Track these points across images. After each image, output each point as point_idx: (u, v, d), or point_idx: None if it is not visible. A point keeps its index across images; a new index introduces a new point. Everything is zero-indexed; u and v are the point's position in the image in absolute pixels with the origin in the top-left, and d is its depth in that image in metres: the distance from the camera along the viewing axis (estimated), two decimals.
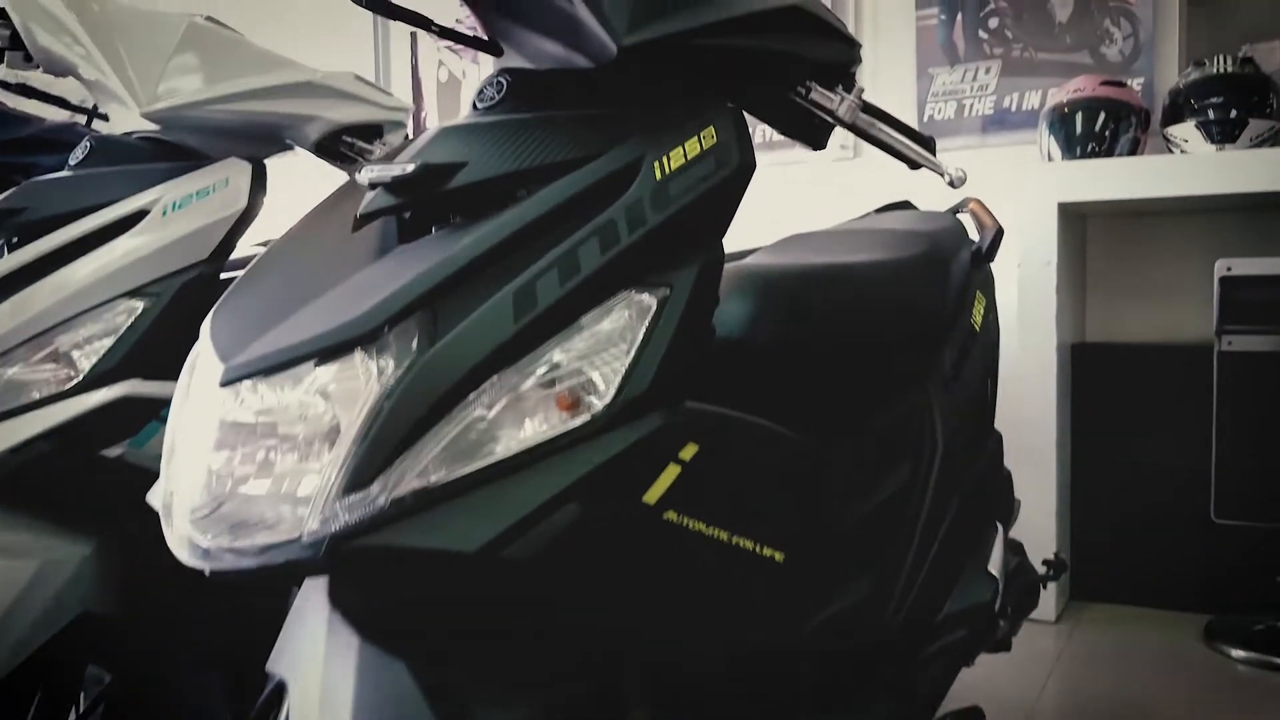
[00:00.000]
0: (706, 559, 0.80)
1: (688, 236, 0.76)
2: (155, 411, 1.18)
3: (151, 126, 1.27)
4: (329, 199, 0.88)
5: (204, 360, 0.74)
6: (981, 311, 1.47)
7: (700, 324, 0.75)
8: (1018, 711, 1.83)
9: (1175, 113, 2.24)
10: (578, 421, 0.69)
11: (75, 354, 1.14)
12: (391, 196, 0.77)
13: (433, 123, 3.40)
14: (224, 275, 1.27)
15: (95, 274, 1.16)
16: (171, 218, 1.19)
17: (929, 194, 1.84)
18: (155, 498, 0.76)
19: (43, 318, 1.16)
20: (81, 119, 1.75)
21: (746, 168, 0.80)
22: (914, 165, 1.00)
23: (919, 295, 1.33)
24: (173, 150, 1.29)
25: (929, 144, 1.01)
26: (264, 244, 2.22)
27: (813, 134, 0.97)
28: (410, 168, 0.75)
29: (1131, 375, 2.41)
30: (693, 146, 0.77)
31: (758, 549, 0.85)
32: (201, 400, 0.73)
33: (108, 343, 1.15)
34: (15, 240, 1.22)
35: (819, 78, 0.89)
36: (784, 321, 1.16)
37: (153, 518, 0.75)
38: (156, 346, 1.17)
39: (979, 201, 1.72)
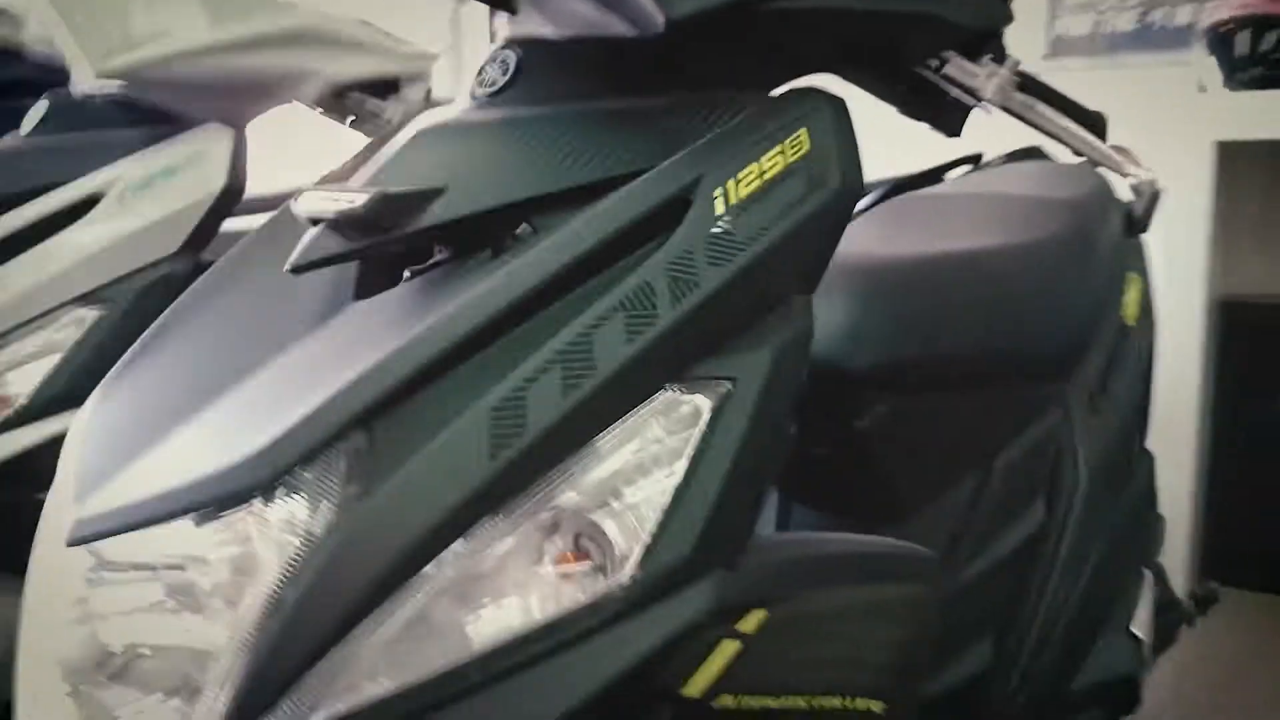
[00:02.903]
0: None
1: (761, 300, 0.52)
2: None
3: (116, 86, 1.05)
4: (269, 224, 0.66)
5: (62, 483, 0.53)
6: (1136, 301, 1.19)
7: (774, 434, 0.51)
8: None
9: None
10: (587, 598, 0.47)
11: (10, 377, 0.92)
12: (337, 238, 0.54)
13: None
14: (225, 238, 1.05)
15: (36, 277, 0.94)
16: (131, 203, 0.97)
17: None
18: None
19: None
20: None
21: (851, 191, 0.55)
22: (1079, 155, 0.74)
23: (1060, 289, 1.06)
24: (146, 114, 1.06)
25: (1100, 124, 0.75)
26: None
27: (946, 115, 0.70)
28: (360, 200, 0.52)
29: None
30: (773, 161, 0.52)
31: (847, 703, 0.62)
32: (54, 550, 0.52)
33: (51, 363, 0.93)
34: None
35: (959, 45, 0.63)
36: (887, 343, 0.92)
37: None
38: (111, 367, 0.97)
39: (1126, 150, 1.42)
